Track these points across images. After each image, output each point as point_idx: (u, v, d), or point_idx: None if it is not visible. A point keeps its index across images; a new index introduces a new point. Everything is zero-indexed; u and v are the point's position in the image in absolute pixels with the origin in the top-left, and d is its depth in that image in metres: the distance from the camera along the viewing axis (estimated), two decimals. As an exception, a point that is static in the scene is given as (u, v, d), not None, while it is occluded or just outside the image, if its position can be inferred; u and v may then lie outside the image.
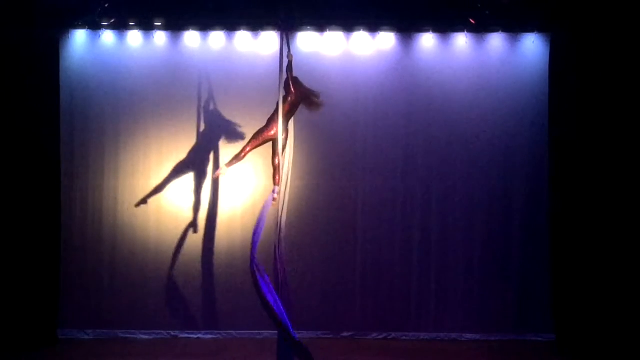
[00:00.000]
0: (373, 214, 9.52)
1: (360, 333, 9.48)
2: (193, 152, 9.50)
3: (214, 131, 9.47)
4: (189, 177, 9.51)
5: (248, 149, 7.38)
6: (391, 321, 9.49)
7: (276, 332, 9.29)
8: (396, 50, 9.49)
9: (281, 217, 7.17)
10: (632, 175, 8.97)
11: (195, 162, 9.51)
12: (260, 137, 7.35)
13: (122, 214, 9.49)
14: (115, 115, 9.49)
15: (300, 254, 9.25)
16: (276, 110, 7.17)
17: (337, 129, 9.48)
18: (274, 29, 9.28)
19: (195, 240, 9.50)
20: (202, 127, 9.49)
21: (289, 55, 7.28)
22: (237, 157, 7.41)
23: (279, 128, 7.14)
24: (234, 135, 9.39)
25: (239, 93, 9.37)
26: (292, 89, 7.26)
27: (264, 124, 7.41)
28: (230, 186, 9.49)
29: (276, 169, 7.29)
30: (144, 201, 9.40)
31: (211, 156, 9.50)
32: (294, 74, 7.31)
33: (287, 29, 7.80)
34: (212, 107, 9.47)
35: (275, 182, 7.29)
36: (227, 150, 9.37)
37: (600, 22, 8.93)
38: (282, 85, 7.23)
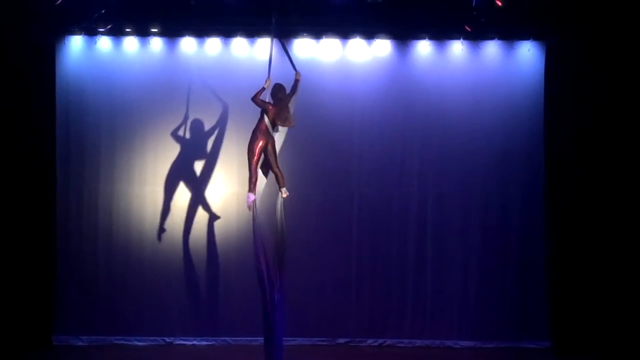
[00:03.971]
0: (369, 220, 9.51)
1: (356, 340, 9.46)
2: (189, 158, 9.49)
3: (210, 136, 9.47)
4: (185, 183, 9.50)
5: (253, 166, 7.42)
6: (387, 328, 9.47)
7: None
8: (392, 57, 9.51)
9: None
10: (629, 182, 9.01)
11: (192, 168, 9.50)
12: (256, 150, 7.41)
13: (117, 220, 9.47)
14: (111, 121, 9.47)
15: (295, 261, 9.22)
16: (260, 120, 7.45)
17: (333, 136, 9.47)
18: (269, 35, 9.29)
19: (192, 246, 9.47)
20: (198, 133, 9.48)
21: (297, 75, 7.74)
22: (251, 181, 7.42)
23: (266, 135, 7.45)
24: (230, 140, 9.41)
25: (235, 99, 9.36)
26: (272, 106, 7.48)
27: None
28: (227, 193, 9.48)
29: (277, 176, 7.54)
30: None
31: (208, 162, 9.49)
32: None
33: (280, 34, 7.89)
34: (208, 112, 9.46)
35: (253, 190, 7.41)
36: (223, 154, 9.40)
37: (596, 29, 8.97)
38: (271, 91, 7.56)
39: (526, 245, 9.41)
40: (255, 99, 7.43)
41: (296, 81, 7.78)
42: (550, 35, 9.23)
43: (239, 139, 9.23)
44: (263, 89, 7.52)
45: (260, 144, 7.41)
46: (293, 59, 7.98)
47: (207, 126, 9.49)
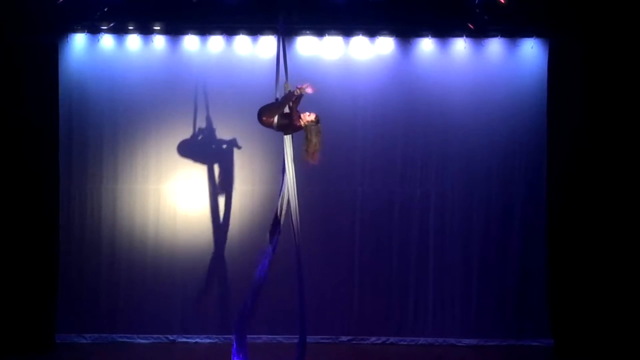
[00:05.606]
0: (371, 218, 9.51)
1: (359, 338, 9.48)
2: (191, 156, 9.50)
3: (212, 135, 9.47)
4: (187, 181, 9.50)
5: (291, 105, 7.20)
6: (389, 326, 9.48)
7: (276, 336, 9.38)
8: (395, 54, 9.50)
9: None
10: (631, 180, 8.99)
11: (194, 167, 9.50)
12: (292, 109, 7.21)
13: (120, 219, 9.47)
14: (114, 119, 9.48)
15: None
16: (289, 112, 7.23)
17: (335, 134, 9.39)
18: (273, 34, 9.31)
19: (194, 244, 9.48)
20: (201, 131, 9.48)
21: (286, 86, 7.31)
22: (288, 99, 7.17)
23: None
24: (232, 139, 9.40)
25: (238, 97, 9.35)
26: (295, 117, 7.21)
27: (262, 128, 7.45)
28: (229, 190, 9.48)
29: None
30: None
31: (210, 160, 9.49)
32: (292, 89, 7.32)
33: (285, 33, 7.82)
34: (211, 111, 9.46)
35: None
36: (225, 154, 9.39)
37: (599, 27, 8.95)
38: (280, 90, 7.30)
39: (529, 243, 9.41)
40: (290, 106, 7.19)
41: (289, 92, 7.23)
42: (554, 33, 9.21)
43: (241, 137, 9.27)
44: (290, 93, 7.18)
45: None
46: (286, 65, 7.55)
47: (209, 124, 9.48)
